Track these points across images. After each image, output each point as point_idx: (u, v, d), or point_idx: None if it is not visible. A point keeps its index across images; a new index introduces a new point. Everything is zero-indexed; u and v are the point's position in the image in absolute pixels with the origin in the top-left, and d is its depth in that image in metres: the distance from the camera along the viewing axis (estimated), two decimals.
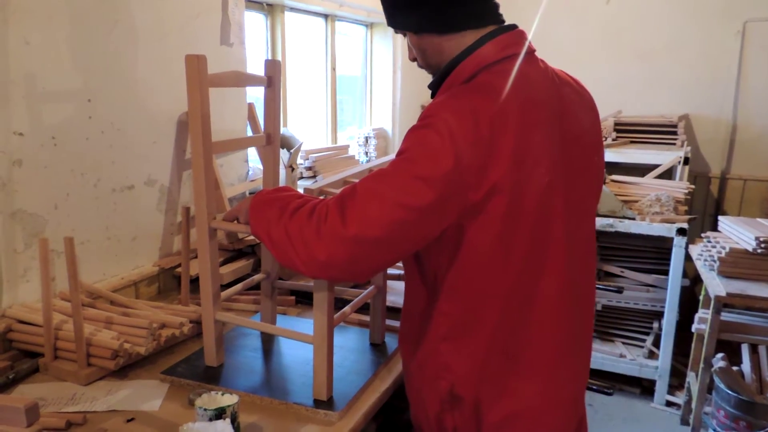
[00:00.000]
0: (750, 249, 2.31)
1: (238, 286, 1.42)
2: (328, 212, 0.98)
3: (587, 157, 1.14)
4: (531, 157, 0.99)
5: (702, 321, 2.56)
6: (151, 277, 1.76)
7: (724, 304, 2.34)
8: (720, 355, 2.35)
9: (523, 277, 1.03)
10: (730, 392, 2.21)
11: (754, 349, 2.50)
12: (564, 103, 1.08)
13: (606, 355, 3.02)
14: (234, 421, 1.04)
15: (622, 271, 3.12)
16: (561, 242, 1.05)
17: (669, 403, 2.91)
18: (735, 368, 2.35)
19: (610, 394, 1.95)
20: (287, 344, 1.45)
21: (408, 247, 1.02)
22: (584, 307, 1.16)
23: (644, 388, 3.02)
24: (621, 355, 3.02)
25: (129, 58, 1.66)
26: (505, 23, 1.09)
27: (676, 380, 3.01)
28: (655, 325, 3.11)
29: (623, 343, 3.14)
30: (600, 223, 2.89)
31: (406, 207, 0.94)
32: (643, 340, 3.11)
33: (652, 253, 3.10)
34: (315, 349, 1.18)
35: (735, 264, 2.36)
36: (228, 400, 1.06)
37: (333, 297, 1.17)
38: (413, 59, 1.16)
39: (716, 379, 2.28)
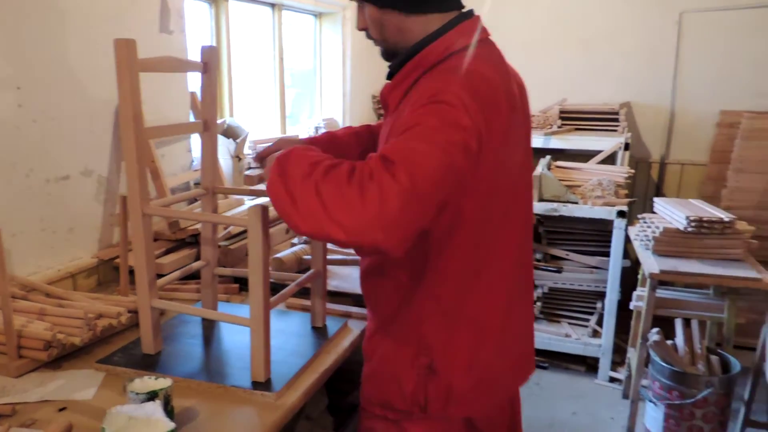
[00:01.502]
0: (681, 228, 2.43)
1: (176, 274, 1.41)
2: (372, 171, 0.88)
3: (529, 140, 1.22)
4: (512, 138, 1.06)
5: (639, 299, 2.68)
6: (89, 268, 1.73)
7: (660, 281, 2.46)
8: (655, 329, 2.46)
9: (496, 247, 1.11)
10: (663, 364, 2.32)
11: (687, 323, 2.63)
12: (518, 88, 1.14)
13: (552, 336, 3.13)
14: (167, 404, 1.04)
15: (567, 254, 3.23)
16: (522, 216, 1.16)
17: (612, 379, 3.04)
18: (669, 342, 2.47)
19: (545, 368, 2.04)
20: (228, 331, 1.45)
21: (443, 197, 0.94)
22: (529, 275, 1.27)
23: (589, 365, 3.13)
24: (566, 335, 3.13)
25: (62, 45, 1.62)
26: (464, 9, 1.13)
27: (619, 357, 3.14)
28: (599, 305, 3.22)
29: (569, 323, 3.26)
30: (544, 207, 2.99)
31: (451, 144, 0.90)
32: (588, 320, 3.23)
33: (595, 236, 3.22)
34: (252, 332, 1.19)
35: (669, 243, 2.47)
36: (161, 384, 1.06)
37: (269, 279, 1.18)
38: (363, 29, 1.14)
39: (651, 353, 2.39)
